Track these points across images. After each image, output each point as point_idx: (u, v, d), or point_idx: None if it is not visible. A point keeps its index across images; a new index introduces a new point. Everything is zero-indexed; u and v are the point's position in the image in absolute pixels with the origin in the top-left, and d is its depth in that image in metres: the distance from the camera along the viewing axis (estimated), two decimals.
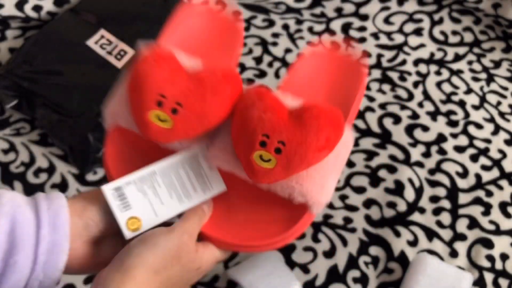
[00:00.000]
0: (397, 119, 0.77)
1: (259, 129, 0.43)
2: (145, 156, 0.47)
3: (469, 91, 0.81)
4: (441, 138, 0.76)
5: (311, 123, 0.43)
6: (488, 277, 0.64)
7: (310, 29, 0.88)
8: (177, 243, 0.41)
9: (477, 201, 0.70)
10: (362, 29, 0.88)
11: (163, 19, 0.79)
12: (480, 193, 0.71)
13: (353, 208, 0.69)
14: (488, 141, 0.76)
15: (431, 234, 0.67)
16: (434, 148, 0.74)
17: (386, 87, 0.81)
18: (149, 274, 0.39)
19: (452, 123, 0.77)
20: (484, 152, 0.75)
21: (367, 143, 0.74)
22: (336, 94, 0.52)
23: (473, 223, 0.68)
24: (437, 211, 0.69)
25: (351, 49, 0.53)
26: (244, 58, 0.83)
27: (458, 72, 0.83)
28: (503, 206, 0.70)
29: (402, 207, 0.69)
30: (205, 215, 0.45)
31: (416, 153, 0.74)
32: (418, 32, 0.88)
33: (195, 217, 0.44)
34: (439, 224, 0.68)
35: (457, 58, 0.85)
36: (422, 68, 0.83)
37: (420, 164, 0.73)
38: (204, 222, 0.45)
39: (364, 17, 0.90)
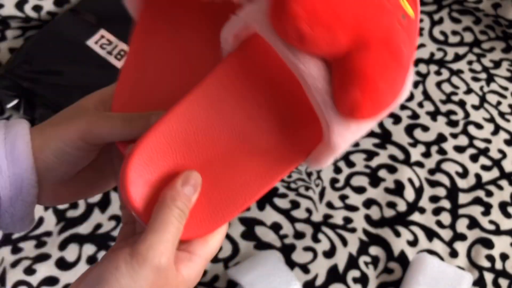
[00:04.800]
0: (397, 119, 0.77)
1: None
2: None
3: (469, 91, 0.81)
4: (441, 138, 0.76)
5: None
6: (488, 277, 0.64)
7: None
8: (152, 279, 0.29)
9: (477, 201, 0.70)
10: None
11: None
12: (480, 193, 0.71)
13: (353, 208, 0.69)
14: (488, 141, 0.76)
15: (431, 234, 0.67)
16: (434, 148, 0.74)
17: None
18: None
19: (452, 123, 0.77)
20: (484, 152, 0.75)
21: (367, 143, 0.74)
22: None
23: (473, 223, 0.68)
24: (437, 211, 0.69)
25: None
26: None
27: (458, 72, 0.83)
28: (503, 206, 0.70)
29: (402, 207, 0.69)
30: (182, 220, 0.31)
31: (416, 153, 0.74)
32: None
33: (168, 234, 0.29)
34: (439, 224, 0.68)
35: (457, 58, 0.85)
36: (422, 68, 0.83)
37: (420, 164, 0.73)
38: (181, 231, 0.31)
39: None
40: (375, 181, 0.71)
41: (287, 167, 0.33)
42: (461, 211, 0.69)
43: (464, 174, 0.72)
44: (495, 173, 0.73)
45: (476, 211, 0.69)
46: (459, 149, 0.75)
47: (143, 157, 0.31)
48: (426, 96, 0.80)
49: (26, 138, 0.33)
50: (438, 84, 0.82)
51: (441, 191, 0.71)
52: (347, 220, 0.68)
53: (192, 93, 0.32)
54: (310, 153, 0.33)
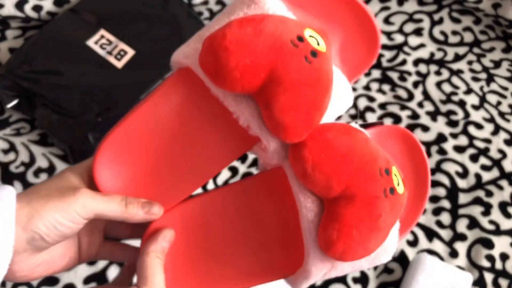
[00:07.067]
0: (397, 119, 0.77)
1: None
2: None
3: (469, 91, 0.81)
4: (441, 138, 0.76)
5: None
6: (488, 277, 0.64)
7: None
8: None
9: (477, 201, 0.70)
10: None
11: (163, 19, 0.79)
12: (480, 193, 0.71)
13: None
14: (488, 141, 0.76)
15: (431, 234, 0.67)
16: (434, 148, 0.74)
17: (386, 87, 0.81)
18: None
19: (452, 123, 0.77)
20: (484, 152, 0.75)
21: None
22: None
23: (473, 223, 0.68)
24: (437, 211, 0.69)
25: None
26: None
27: (458, 72, 0.83)
28: (503, 206, 0.70)
29: None
30: (162, 266, 0.38)
31: None
32: (418, 32, 0.88)
33: (160, 278, 0.37)
34: (439, 224, 0.68)
35: (457, 58, 0.85)
36: (422, 68, 0.83)
37: None
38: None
39: None
40: None
41: (268, 279, 0.39)
42: (461, 211, 0.69)
43: (464, 174, 0.72)
44: (495, 173, 0.73)
45: (476, 211, 0.69)
46: (459, 149, 0.75)
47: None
48: (426, 96, 0.80)
49: (11, 210, 0.33)
50: (438, 84, 0.82)
51: (441, 191, 0.71)
52: None
53: (202, 197, 0.39)
54: (292, 273, 0.38)
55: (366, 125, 0.40)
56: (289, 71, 0.32)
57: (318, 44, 0.33)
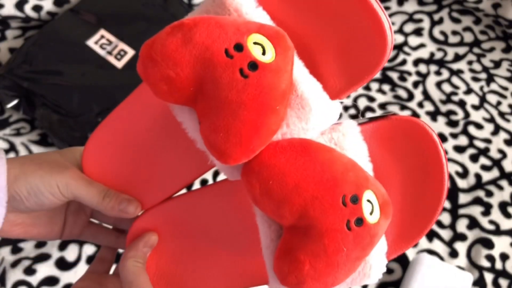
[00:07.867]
0: None
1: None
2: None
3: (469, 91, 0.81)
4: (441, 138, 0.76)
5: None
6: (488, 277, 0.64)
7: None
8: None
9: (477, 201, 0.70)
10: None
11: (163, 19, 0.79)
12: (480, 193, 0.71)
13: None
14: (488, 141, 0.76)
15: (431, 234, 0.67)
16: None
17: (386, 87, 0.81)
18: None
19: (452, 123, 0.77)
20: (484, 152, 0.75)
21: None
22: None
23: (473, 223, 0.68)
24: None
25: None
26: None
27: (458, 72, 0.83)
28: (503, 206, 0.70)
29: None
30: (144, 267, 0.38)
31: None
32: (418, 32, 0.88)
33: (144, 278, 0.37)
34: (439, 224, 0.68)
35: (457, 58, 0.85)
36: (422, 68, 0.83)
37: None
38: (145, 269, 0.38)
39: None
40: None
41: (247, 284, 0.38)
42: (461, 211, 0.69)
43: (464, 174, 0.72)
44: (495, 173, 0.73)
45: (476, 211, 0.69)
46: (459, 149, 0.75)
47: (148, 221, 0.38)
48: (426, 96, 0.80)
49: (2, 162, 0.36)
50: (438, 84, 0.82)
51: None
52: None
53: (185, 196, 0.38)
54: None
55: (368, 120, 0.35)
56: (217, 87, 0.28)
57: (264, 53, 0.28)
